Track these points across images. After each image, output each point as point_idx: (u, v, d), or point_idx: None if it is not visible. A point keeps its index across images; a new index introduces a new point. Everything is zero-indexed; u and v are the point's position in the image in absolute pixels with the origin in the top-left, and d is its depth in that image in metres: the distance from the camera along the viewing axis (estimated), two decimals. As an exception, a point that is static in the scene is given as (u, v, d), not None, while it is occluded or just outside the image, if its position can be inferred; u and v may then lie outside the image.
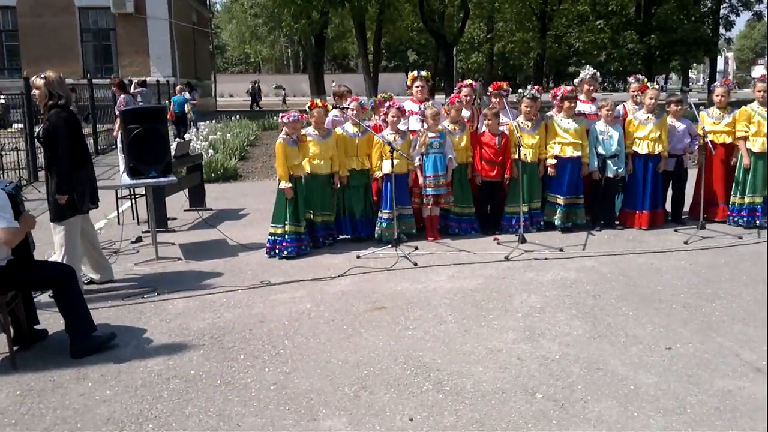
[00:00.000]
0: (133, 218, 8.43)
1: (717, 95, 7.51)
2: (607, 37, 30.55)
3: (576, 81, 7.78)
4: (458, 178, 7.20)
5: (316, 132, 6.68)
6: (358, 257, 6.44)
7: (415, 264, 6.14)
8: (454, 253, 6.54)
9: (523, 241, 6.59)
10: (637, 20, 30.10)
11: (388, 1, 26.42)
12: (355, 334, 4.59)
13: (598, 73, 7.67)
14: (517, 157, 6.95)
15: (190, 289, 5.61)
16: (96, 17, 26.69)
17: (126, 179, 6.42)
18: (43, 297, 5.26)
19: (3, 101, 17.99)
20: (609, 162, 7.20)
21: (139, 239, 7.43)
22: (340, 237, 7.12)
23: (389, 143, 6.50)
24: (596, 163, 7.21)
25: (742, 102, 8.25)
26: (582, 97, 7.66)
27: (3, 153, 11.55)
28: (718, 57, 37.57)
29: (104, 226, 8.29)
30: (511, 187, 7.29)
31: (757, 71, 75.90)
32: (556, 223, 7.27)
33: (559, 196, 7.24)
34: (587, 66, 7.83)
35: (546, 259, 6.24)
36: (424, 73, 7.54)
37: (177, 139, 16.72)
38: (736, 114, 7.41)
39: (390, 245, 6.55)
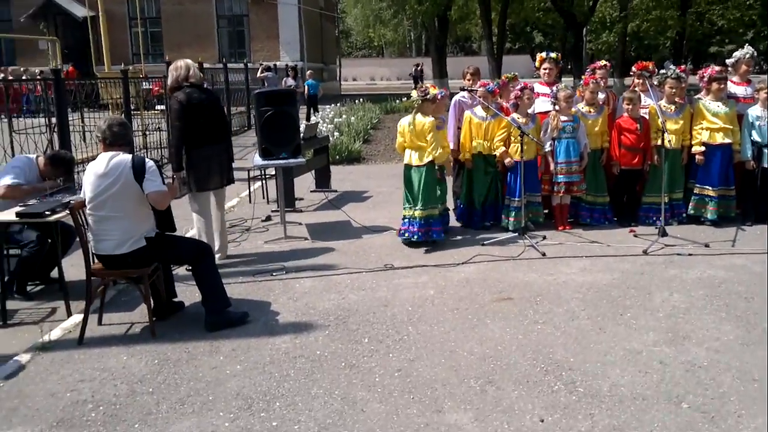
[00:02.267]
0: (263, 197, 8.71)
1: None
2: (757, 13, 27.90)
3: (730, 61, 7.07)
4: (592, 165, 6.80)
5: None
6: (483, 244, 6.25)
7: (544, 254, 5.87)
8: (586, 245, 6.19)
9: (663, 234, 6.12)
10: (794, -7, 27.22)
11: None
12: (480, 324, 4.44)
13: (756, 53, 6.93)
14: (660, 143, 6.45)
15: (317, 269, 5.69)
16: (231, 4, 27.98)
17: (258, 160, 6.60)
18: (181, 270, 5.53)
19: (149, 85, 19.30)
20: (766, 151, 6.51)
21: (268, 218, 7.66)
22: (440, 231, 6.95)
23: (519, 127, 6.23)
24: (750, 152, 6.54)
25: None
26: (736, 78, 6.98)
27: (147, 132, 12.36)
28: None
29: (236, 205, 8.63)
30: (650, 175, 6.79)
31: None
32: (708, 217, 6.68)
33: (709, 187, 6.64)
34: (746, 45, 7.09)
35: (690, 255, 5.75)
36: (553, 54, 7.15)
37: (304, 122, 17.47)
38: None
39: (516, 233, 6.30)
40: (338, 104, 20.55)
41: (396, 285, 5.25)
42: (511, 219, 6.66)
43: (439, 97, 6.28)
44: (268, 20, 27.52)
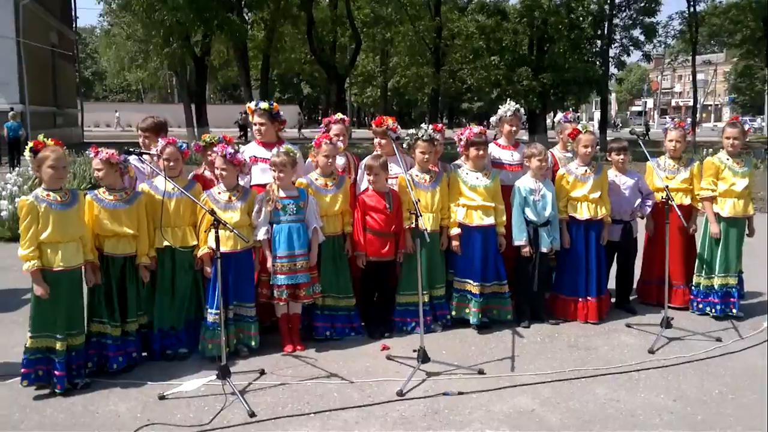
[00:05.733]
0: None
1: (671, 140, 5.67)
2: (501, 73, 29.78)
3: (494, 119, 5.72)
4: (330, 256, 4.93)
5: (49, 194, 4.03)
6: (162, 397, 3.95)
7: (252, 414, 3.73)
8: (321, 384, 4.18)
9: (424, 359, 4.31)
10: (530, 57, 29.51)
11: (271, 26, 24.20)
12: None
13: (522, 110, 5.66)
14: (414, 225, 4.76)
15: None
16: None
17: None
18: None
19: None
20: (542, 232, 5.17)
21: None
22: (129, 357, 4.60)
23: (213, 212, 4.10)
24: (524, 234, 5.16)
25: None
26: (501, 141, 5.64)
27: None
28: (608, 96, 37.93)
29: None
30: (404, 268, 5.10)
31: (635, 110, 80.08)
32: (471, 321, 5.12)
33: (471, 281, 5.09)
34: (508, 100, 5.75)
35: (460, 393, 4.02)
36: (263, 105, 5.15)
37: (16, 169, 13.87)
38: (695, 167, 5.63)
39: (215, 373, 4.09)
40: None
41: None
42: (208, 342, 4.48)
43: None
44: (-24, 54, 22.66)
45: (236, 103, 59.35)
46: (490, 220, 5.11)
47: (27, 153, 4.07)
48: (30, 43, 24.35)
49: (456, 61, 34.22)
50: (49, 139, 4.18)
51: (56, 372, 4.02)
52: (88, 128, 38.15)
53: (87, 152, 4.46)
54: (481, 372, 4.33)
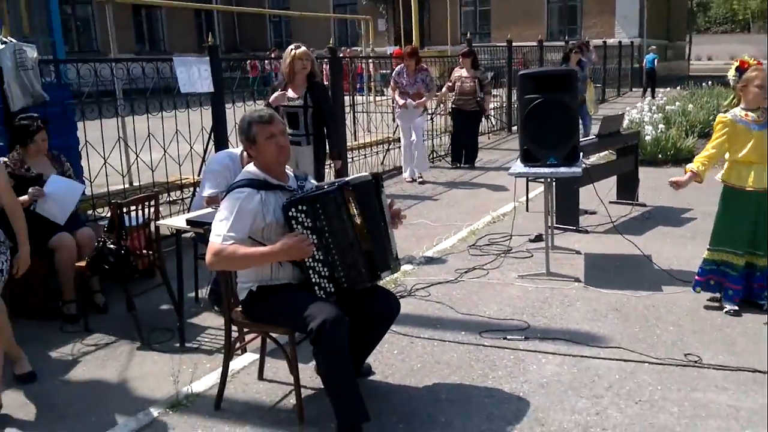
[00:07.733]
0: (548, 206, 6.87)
1: None
2: None
3: None
4: None
5: (747, 114, 3.91)
6: None
7: None
8: None
9: None
10: None
11: None
12: None
13: None
14: None
15: (572, 342, 3.78)
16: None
17: (519, 167, 4.87)
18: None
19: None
20: None
21: (539, 238, 5.85)
22: None
23: None
24: None
25: None
26: None
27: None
28: None
29: (509, 213, 6.97)
30: None
31: None
32: None
33: None
34: None
35: None
36: None
37: (647, 98, 15.12)
38: None
39: None
40: (678, 87, 17.31)
41: (695, 404, 3.08)
42: None
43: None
44: (604, -7, 24.64)
45: None
46: None
47: (731, 73, 4.05)
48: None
49: None
50: (753, 60, 4.06)
51: (731, 285, 4.08)
52: (698, 61, 37.55)
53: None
54: None
